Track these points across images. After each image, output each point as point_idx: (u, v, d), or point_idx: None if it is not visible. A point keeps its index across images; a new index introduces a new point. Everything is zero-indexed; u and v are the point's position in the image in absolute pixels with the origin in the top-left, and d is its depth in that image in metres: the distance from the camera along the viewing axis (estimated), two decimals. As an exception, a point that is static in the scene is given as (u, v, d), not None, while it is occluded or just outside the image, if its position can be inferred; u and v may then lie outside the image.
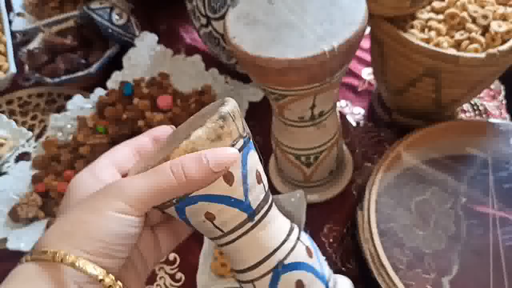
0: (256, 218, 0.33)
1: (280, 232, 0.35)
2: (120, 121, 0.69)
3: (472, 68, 0.53)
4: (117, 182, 0.30)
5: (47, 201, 0.64)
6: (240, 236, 0.33)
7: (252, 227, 0.33)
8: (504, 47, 0.53)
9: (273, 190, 0.65)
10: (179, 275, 0.60)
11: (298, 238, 0.36)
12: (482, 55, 0.52)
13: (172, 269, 0.60)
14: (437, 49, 0.53)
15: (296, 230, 0.37)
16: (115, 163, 0.34)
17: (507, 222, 0.53)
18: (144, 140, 0.35)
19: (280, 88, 0.47)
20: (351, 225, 0.60)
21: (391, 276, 0.49)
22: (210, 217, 0.32)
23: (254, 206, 0.33)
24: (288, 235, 0.35)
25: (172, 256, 0.61)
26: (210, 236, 0.34)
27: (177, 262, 0.61)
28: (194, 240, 0.60)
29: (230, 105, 0.31)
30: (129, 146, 0.35)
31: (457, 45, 0.55)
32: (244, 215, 0.32)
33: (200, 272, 0.56)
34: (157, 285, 0.59)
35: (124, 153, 0.34)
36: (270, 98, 0.52)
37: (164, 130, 0.36)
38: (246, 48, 0.45)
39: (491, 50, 0.52)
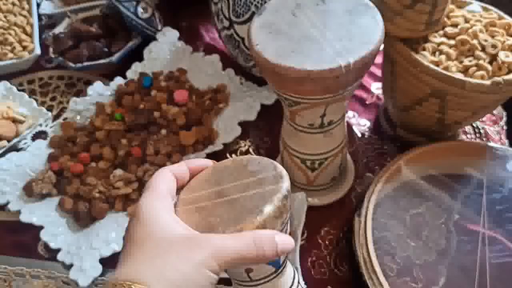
0: (280, 269, 0.39)
1: (289, 277, 0.41)
2: (137, 111, 0.72)
3: (477, 93, 0.56)
4: (212, 239, 0.32)
5: (60, 180, 0.67)
6: (262, 283, 0.39)
7: (275, 277, 0.39)
8: (510, 76, 0.56)
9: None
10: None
11: (298, 282, 0.43)
12: (488, 82, 0.55)
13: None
14: (446, 72, 0.56)
15: (295, 272, 0.43)
16: (167, 187, 0.37)
17: (496, 241, 0.56)
18: (182, 169, 0.39)
19: (295, 96, 0.50)
20: (347, 230, 0.63)
21: (381, 281, 0.52)
22: (248, 270, 0.37)
23: (281, 261, 0.39)
24: (293, 278, 0.42)
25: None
26: (234, 277, 0.39)
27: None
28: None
29: (288, 181, 0.36)
30: (171, 171, 0.38)
31: (465, 70, 0.58)
32: (273, 269, 0.39)
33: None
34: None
35: (170, 178, 0.38)
36: (283, 104, 0.55)
37: (202, 163, 0.40)
38: (268, 56, 0.48)
39: (496, 78, 0.55)
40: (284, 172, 0.37)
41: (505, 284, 0.53)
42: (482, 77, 0.57)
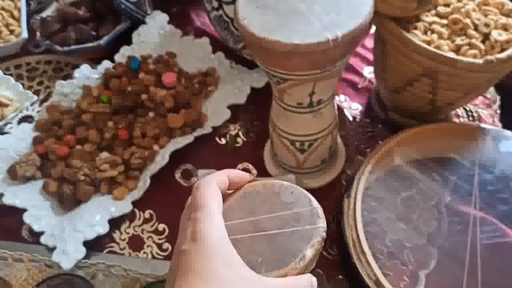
0: None
1: None
2: (124, 93, 0.70)
3: (469, 72, 0.55)
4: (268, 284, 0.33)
5: (45, 163, 0.66)
6: None
7: None
8: (502, 55, 0.55)
9: (266, 173, 0.67)
10: (166, 245, 0.61)
11: None
12: (480, 60, 0.54)
13: (160, 239, 0.62)
14: (437, 51, 0.55)
15: None
16: (218, 204, 0.36)
17: (487, 222, 0.55)
18: (226, 181, 0.38)
19: (282, 72, 0.49)
20: (337, 213, 0.62)
21: (370, 262, 0.51)
22: None
23: None
24: None
25: (161, 227, 0.63)
26: None
27: (166, 233, 0.62)
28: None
29: (324, 219, 0.36)
30: (217, 184, 0.37)
31: (457, 49, 0.57)
32: None
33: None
34: (143, 252, 0.61)
35: (219, 194, 0.37)
36: (271, 82, 0.54)
37: (241, 176, 0.40)
38: (254, 30, 0.47)
39: (489, 57, 0.54)
40: (320, 208, 0.37)
41: (496, 265, 0.51)
42: (474, 56, 0.56)
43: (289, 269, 0.34)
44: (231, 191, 0.40)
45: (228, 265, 0.32)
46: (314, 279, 0.35)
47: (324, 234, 0.36)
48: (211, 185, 0.36)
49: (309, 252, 0.34)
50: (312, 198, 0.38)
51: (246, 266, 0.33)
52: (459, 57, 0.55)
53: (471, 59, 0.55)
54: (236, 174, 0.40)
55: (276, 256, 0.34)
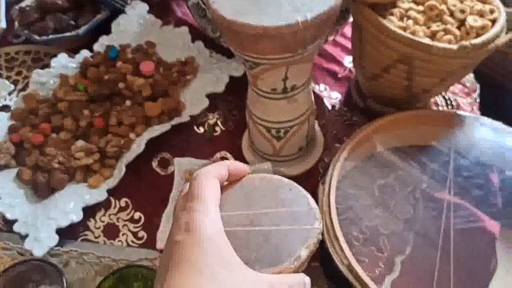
0: None
1: None
2: (101, 81, 0.70)
3: (444, 58, 0.55)
4: (264, 280, 0.32)
5: (20, 151, 0.65)
6: None
7: None
8: (477, 40, 0.54)
9: (243, 161, 0.66)
10: (142, 233, 0.61)
11: None
12: (455, 46, 0.54)
13: (135, 227, 0.61)
14: (412, 36, 0.55)
15: None
16: (216, 199, 0.35)
17: (461, 207, 0.54)
18: (225, 174, 0.38)
19: (254, 56, 0.49)
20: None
21: (343, 248, 0.51)
22: None
23: None
24: None
25: (137, 215, 0.62)
26: None
27: (142, 221, 0.62)
28: (159, 203, 0.62)
29: (321, 222, 0.37)
30: (216, 177, 0.37)
31: (433, 35, 0.57)
32: None
33: (161, 230, 0.58)
34: (118, 240, 0.60)
35: (217, 188, 0.36)
36: (245, 67, 0.54)
37: (241, 169, 0.40)
38: (224, 13, 0.46)
39: (464, 42, 0.54)
40: (317, 209, 0.37)
41: (468, 249, 0.51)
42: (449, 42, 0.55)
43: (283, 267, 0.34)
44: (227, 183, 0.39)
45: (223, 260, 0.31)
46: (307, 278, 0.35)
47: (320, 236, 0.36)
48: (209, 176, 0.36)
49: (304, 253, 0.34)
50: (310, 197, 0.38)
51: (241, 262, 0.32)
52: (434, 43, 0.54)
53: (445, 45, 0.54)
54: (235, 166, 0.39)
55: (270, 254, 0.34)
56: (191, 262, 0.30)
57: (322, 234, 0.53)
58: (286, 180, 0.40)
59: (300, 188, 0.39)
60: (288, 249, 0.35)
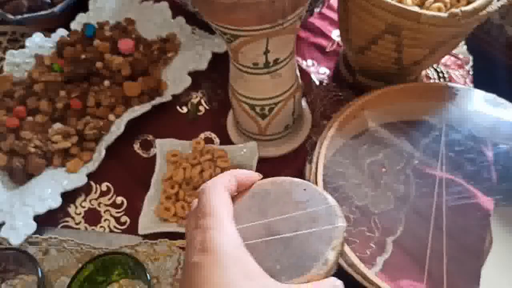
0: None
1: None
2: (77, 61, 0.67)
3: (433, 27, 0.52)
4: None
5: (-5, 136, 0.63)
6: None
7: None
8: (468, 7, 0.51)
9: (229, 142, 0.64)
10: (125, 218, 0.59)
11: None
12: (445, 14, 0.51)
13: (118, 212, 0.59)
14: (399, 4, 0.52)
15: None
16: (228, 211, 0.33)
17: (453, 183, 0.52)
18: (233, 184, 0.36)
19: (231, 27, 0.46)
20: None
21: (330, 228, 0.49)
22: None
23: None
24: None
25: (119, 199, 0.60)
26: None
27: (124, 206, 0.60)
28: (142, 186, 0.60)
29: (343, 217, 0.34)
30: (225, 189, 0.35)
31: (421, 3, 0.54)
32: None
33: (143, 215, 0.56)
34: (100, 226, 0.58)
35: (228, 199, 0.34)
36: (224, 41, 0.51)
37: (249, 176, 0.38)
38: (197, -18, 0.43)
39: (454, 10, 0.51)
40: (337, 206, 0.34)
41: (461, 226, 0.49)
42: (439, 9, 0.53)
43: (312, 275, 0.31)
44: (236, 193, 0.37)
45: (248, 275, 0.29)
46: (338, 281, 0.32)
47: (345, 233, 0.33)
48: (217, 188, 0.34)
49: (331, 255, 0.32)
50: (327, 195, 0.35)
51: (267, 275, 0.30)
52: (423, 11, 0.51)
53: (435, 13, 0.51)
54: (243, 174, 0.37)
55: (295, 262, 0.32)
56: (214, 283, 0.28)
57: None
58: (298, 180, 0.37)
59: (315, 186, 0.36)
60: (312, 254, 0.32)
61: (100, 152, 0.61)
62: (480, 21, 0.53)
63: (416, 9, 0.52)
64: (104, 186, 0.61)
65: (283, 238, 0.33)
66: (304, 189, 0.36)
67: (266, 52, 0.50)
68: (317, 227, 0.33)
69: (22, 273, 0.51)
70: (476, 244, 0.49)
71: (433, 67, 0.71)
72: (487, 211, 0.50)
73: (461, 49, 0.72)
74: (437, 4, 0.53)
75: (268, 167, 0.60)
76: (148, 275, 0.47)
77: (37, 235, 0.56)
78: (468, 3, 0.53)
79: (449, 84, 0.59)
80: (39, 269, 0.47)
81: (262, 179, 0.39)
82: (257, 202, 0.36)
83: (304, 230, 0.33)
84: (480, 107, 0.58)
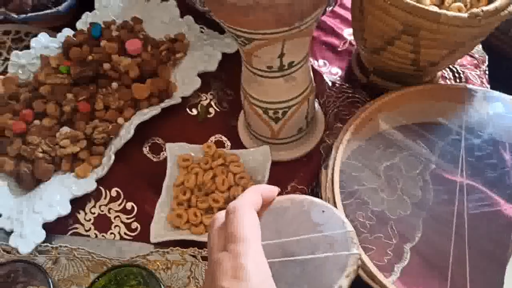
0: None
1: None
2: (84, 62, 0.65)
3: (453, 28, 0.50)
4: None
5: (1, 141, 0.61)
6: None
7: None
8: (489, 7, 0.50)
9: (240, 145, 0.62)
10: (135, 224, 0.57)
11: None
12: (465, 14, 0.50)
13: (128, 218, 0.58)
14: (418, 4, 0.50)
15: None
16: (258, 234, 0.32)
17: (475, 190, 0.51)
18: (260, 202, 0.35)
19: (246, 31, 0.44)
20: (316, 185, 0.58)
21: (349, 237, 0.47)
22: None
23: None
24: None
25: (129, 205, 0.59)
26: None
27: (134, 212, 0.58)
28: (152, 191, 0.58)
29: (358, 244, 0.34)
30: (252, 206, 0.34)
31: (441, 3, 0.53)
32: None
33: (154, 222, 0.54)
34: (111, 233, 0.57)
35: (257, 221, 0.33)
36: (238, 44, 0.49)
37: (272, 191, 0.37)
38: (211, -17, 0.42)
39: (474, 10, 0.49)
40: (353, 231, 0.35)
41: (484, 235, 0.48)
42: (459, 10, 0.51)
43: None
44: None
45: None
46: None
47: (360, 262, 0.33)
48: (247, 210, 0.33)
49: (345, 283, 0.32)
50: (345, 219, 0.35)
51: None
52: (442, 11, 0.50)
53: (455, 13, 0.50)
54: (266, 190, 0.37)
55: (310, 286, 0.32)
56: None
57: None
58: (318, 200, 0.37)
59: (334, 209, 0.36)
60: (327, 280, 0.32)
61: (109, 157, 0.59)
62: (502, 21, 0.52)
63: (435, 9, 0.51)
64: (113, 192, 0.60)
65: (298, 260, 0.33)
66: (323, 211, 0.36)
67: (281, 55, 0.48)
68: (333, 252, 0.33)
69: (32, 285, 0.50)
70: (499, 253, 0.48)
71: (448, 67, 0.69)
72: (509, 219, 0.49)
73: (477, 48, 0.70)
74: (457, 4, 0.51)
75: (281, 170, 0.59)
76: (162, 286, 0.46)
77: (47, 244, 0.55)
78: (489, 2, 0.52)
79: (468, 86, 0.57)
80: (49, 280, 0.46)
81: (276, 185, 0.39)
82: (274, 219, 0.36)
83: (320, 253, 0.33)
84: (498, 110, 0.57)
